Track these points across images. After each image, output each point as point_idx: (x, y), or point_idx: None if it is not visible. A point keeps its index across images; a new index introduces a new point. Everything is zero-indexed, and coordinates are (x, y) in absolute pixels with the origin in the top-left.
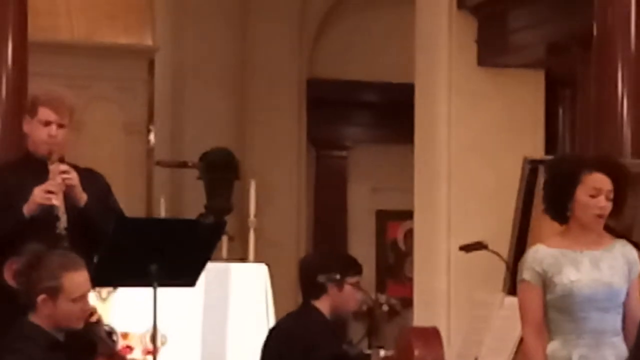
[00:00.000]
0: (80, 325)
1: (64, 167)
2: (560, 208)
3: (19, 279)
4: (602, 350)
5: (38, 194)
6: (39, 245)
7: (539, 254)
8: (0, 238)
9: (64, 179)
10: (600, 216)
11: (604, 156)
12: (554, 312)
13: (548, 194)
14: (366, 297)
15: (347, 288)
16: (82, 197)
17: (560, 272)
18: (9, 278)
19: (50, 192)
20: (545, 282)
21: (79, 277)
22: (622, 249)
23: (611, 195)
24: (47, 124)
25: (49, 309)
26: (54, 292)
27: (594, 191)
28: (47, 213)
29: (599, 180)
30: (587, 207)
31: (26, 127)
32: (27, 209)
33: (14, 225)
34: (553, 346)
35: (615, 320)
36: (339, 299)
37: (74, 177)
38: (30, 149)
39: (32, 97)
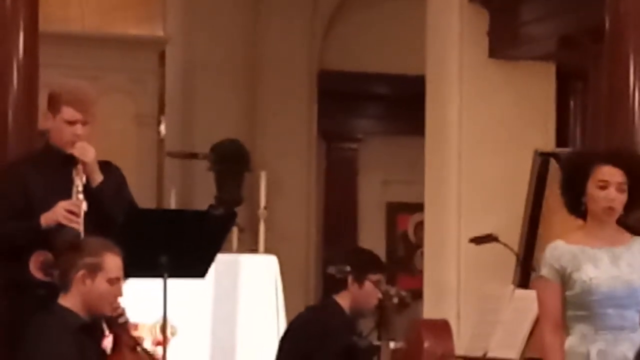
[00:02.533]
0: (108, 311)
1: (83, 146)
2: (575, 203)
3: (58, 260)
4: (620, 346)
5: (60, 213)
6: (77, 231)
7: (557, 251)
8: (17, 247)
9: (83, 163)
10: (610, 208)
11: (616, 148)
12: (572, 308)
13: (563, 189)
14: (387, 294)
15: (368, 285)
16: (97, 178)
17: (579, 269)
18: (35, 270)
19: (72, 212)
20: (564, 279)
21: (117, 260)
22: None
23: (624, 187)
24: (72, 123)
25: (86, 287)
26: (94, 269)
27: (603, 183)
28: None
29: (608, 173)
30: (597, 199)
31: (47, 124)
32: (45, 220)
33: (31, 236)
34: (571, 342)
35: (633, 317)
36: (358, 295)
37: (89, 153)
38: (52, 142)
39: (54, 94)
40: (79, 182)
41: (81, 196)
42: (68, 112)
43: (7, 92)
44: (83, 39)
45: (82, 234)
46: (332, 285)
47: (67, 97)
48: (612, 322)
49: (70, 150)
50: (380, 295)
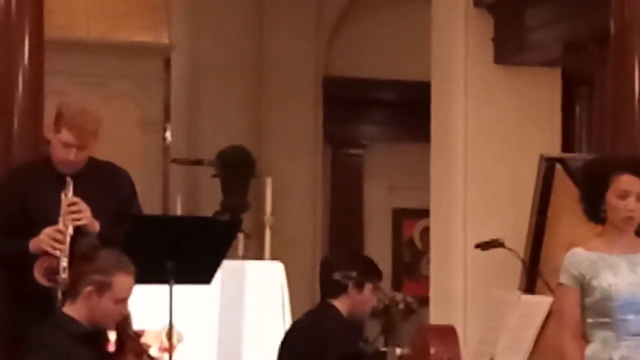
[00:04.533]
0: (112, 327)
1: (75, 207)
2: (595, 210)
3: (72, 266)
4: None
5: (45, 241)
6: (94, 239)
7: (576, 258)
8: (7, 265)
9: (74, 219)
10: (630, 218)
11: (636, 156)
12: (592, 315)
13: (582, 196)
14: (383, 297)
15: (367, 290)
16: (95, 227)
17: (598, 276)
18: (39, 276)
19: (56, 240)
20: (583, 286)
21: (129, 281)
22: None
23: None
24: (68, 146)
25: (92, 303)
26: (102, 288)
27: (623, 193)
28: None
29: (628, 182)
30: (617, 209)
31: (49, 135)
32: (32, 247)
33: (17, 257)
34: (593, 349)
35: None
36: (357, 300)
37: (85, 217)
38: (49, 156)
39: (60, 112)
40: (65, 208)
41: (69, 220)
42: (65, 135)
43: (12, 99)
44: (88, 46)
45: (66, 260)
46: (330, 289)
47: (68, 120)
48: (634, 328)
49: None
50: (375, 303)
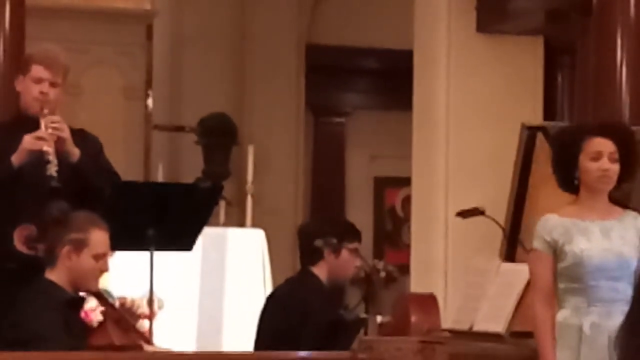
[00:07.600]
0: (95, 287)
1: (56, 118)
2: (568, 178)
3: (44, 234)
4: (614, 319)
5: (28, 140)
6: (64, 204)
7: (549, 223)
8: None
9: (54, 128)
10: (604, 176)
11: (605, 120)
12: (564, 280)
13: (555, 165)
14: (364, 263)
15: (344, 254)
16: (75, 152)
17: (571, 242)
18: (19, 244)
19: (40, 138)
20: (556, 251)
21: (104, 235)
22: (634, 221)
23: (616, 157)
24: (39, 81)
25: (71, 262)
26: (80, 245)
27: (596, 155)
28: (37, 160)
29: (599, 144)
30: (591, 170)
31: (19, 86)
32: (16, 158)
33: (4, 176)
34: (564, 314)
35: (626, 289)
36: (335, 264)
37: (65, 129)
38: (22, 108)
39: (26, 55)
40: (46, 120)
41: (50, 129)
42: (36, 70)
43: None
44: (70, 12)
45: (55, 158)
46: (308, 256)
47: (37, 56)
48: (605, 294)
49: (37, 113)
50: (357, 264)
